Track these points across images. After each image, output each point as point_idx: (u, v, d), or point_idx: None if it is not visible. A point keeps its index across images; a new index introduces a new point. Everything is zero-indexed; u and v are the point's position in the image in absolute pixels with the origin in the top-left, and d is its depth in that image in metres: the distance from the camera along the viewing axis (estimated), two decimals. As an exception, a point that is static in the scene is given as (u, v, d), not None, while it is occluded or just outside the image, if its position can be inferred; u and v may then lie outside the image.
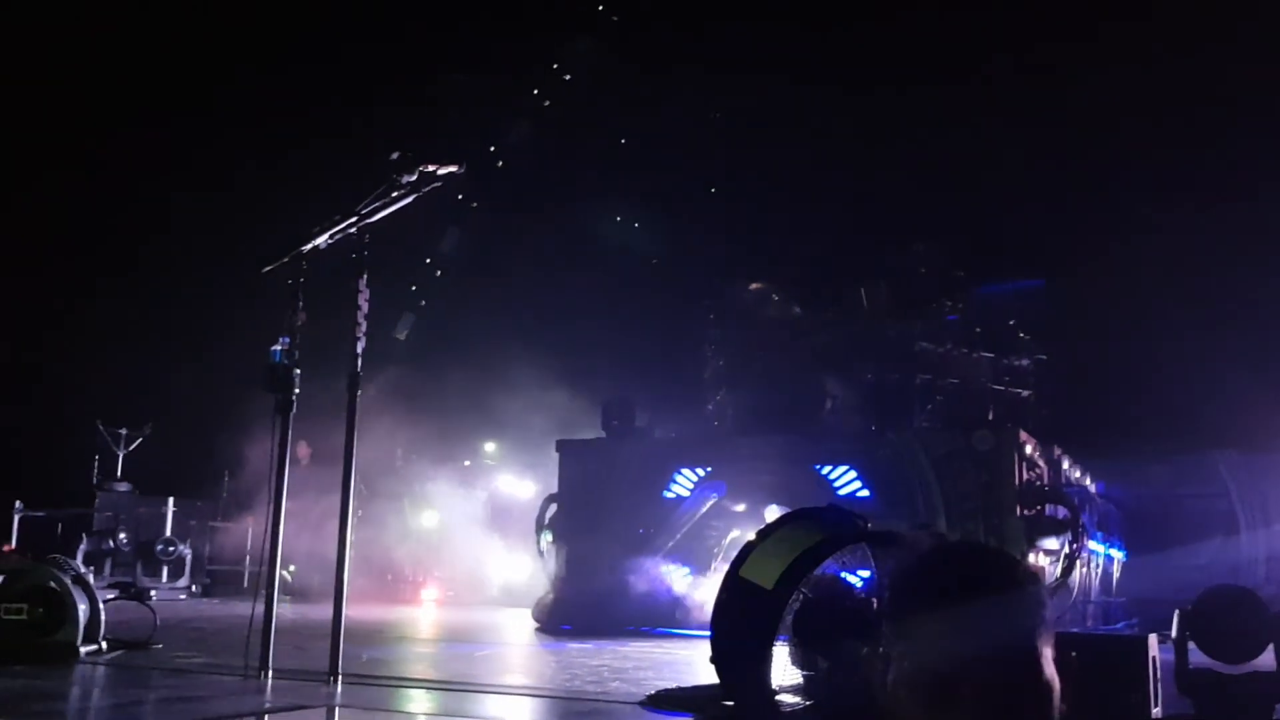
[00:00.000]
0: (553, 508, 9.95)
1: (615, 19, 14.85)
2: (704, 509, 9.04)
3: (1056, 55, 12.18)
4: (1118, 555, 10.91)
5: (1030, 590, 1.57)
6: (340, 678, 4.84)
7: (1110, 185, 12.08)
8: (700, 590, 8.70)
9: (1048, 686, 1.46)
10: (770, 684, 3.88)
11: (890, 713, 1.56)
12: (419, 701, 4.91)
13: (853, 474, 8.75)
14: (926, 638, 1.51)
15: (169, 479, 13.80)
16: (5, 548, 11.54)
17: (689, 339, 11.37)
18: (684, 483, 9.28)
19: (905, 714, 1.53)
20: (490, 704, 4.84)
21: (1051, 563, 8.54)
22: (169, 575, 12.89)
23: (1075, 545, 8.55)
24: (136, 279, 13.68)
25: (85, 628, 5.75)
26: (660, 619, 8.82)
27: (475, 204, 14.77)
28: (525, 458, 12.79)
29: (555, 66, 15.15)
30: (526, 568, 12.19)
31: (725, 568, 4.39)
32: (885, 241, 11.64)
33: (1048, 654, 1.50)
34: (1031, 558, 8.25)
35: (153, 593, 8.09)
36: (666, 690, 4.58)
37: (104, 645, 5.91)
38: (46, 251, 13.69)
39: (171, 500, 13.51)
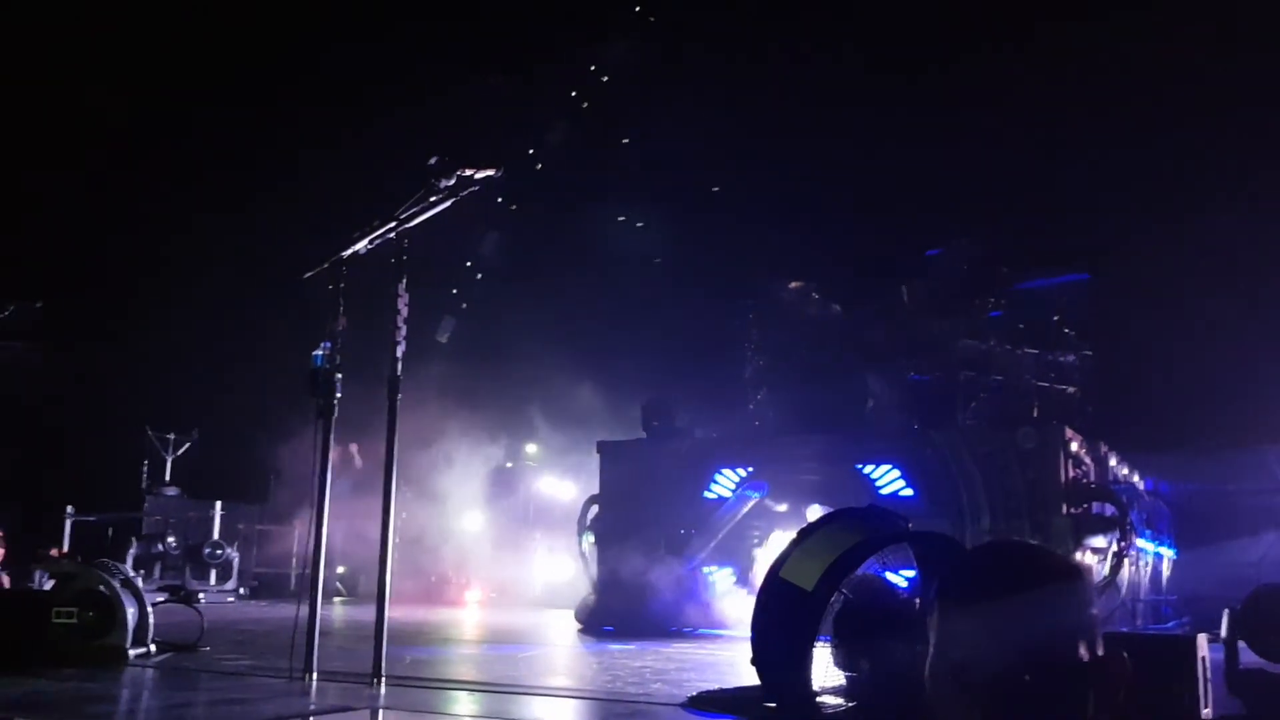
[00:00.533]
0: (594, 509, 9.95)
1: (652, 19, 14.84)
2: (745, 509, 9.01)
3: (1100, 44, 12.01)
4: (1167, 553, 10.75)
5: (1074, 588, 1.55)
6: (384, 679, 4.87)
7: (1155, 177, 11.90)
8: (742, 591, 8.68)
9: (1087, 684, 1.45)
10: (812, 685, 3.86)
11: (932, 709, 1.55)
12: (462, 703, 4.93)
13: (896, 473, 8.68)
14: (967, 634, 1.50)
15: (216, 483, 13.99)
16: (54, 551, 11.73)
17: (729, 338, 11.33)
18: (725, 483, 9.25)
19: (945, 710, 1.52)
20: (533, 706, 4.85)
21: (1099, 561, 8.42)
22: (216, 578, 13.05)
23: (1123, 543, 8.42)
24: (183, 288, 13.86)
25: (134, 631, 5.83)
26: (702, 620, 8.80)
27: (514, 206, 14.82)
28: (566, 459, 12.82)
29: (592, 68, 15.17)
30: (568, 569, 12.22)
31: (765, 567, 4.37)
32: (926, 238, 11.53)
33: (1091, 652, 1.49)
34: (1079, 556, 8.13)
35: (200, 596, 8.18)
36: (708, 691, 4.58)
37: (152, 648, 5.98)
38: (96, 262, 13.92)
39: (219, 504, 13.68)
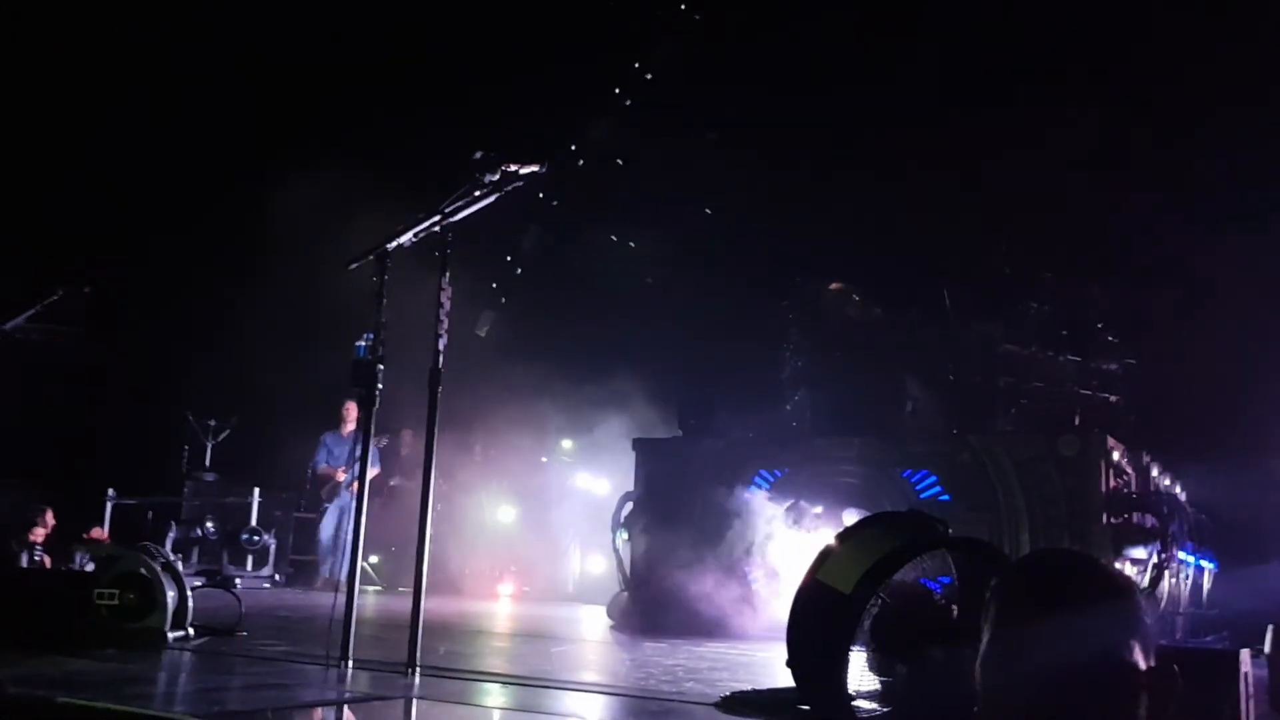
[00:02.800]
0: (629, 506, 9.95)
1: (698, 17, 14.82)
2: (781, 510, 8.97)
3: (1157, 44, 11.83)
4: (1208, 566, 10.60)
5: (1127, 599, 1.55)
6: (418, 669, 4.91)
7: (1204, 181, 11.72)
8: (777, 591, 8.64)
9: (1137, 695, 1.45)
10: (847, 688, 3.84)
11: (981, 715, 1.55)
12: (494, 695, 4.95)
13: (933, 478, 8.62)
14: (1021, 642, 1.51)
15: (255, 470, 14.13)
16: (96, 531, 11.90)
17: (768, 338, 11.29)
18: (761, 484, 9.23)
19: (995, 716, 1.53)
20: (564, 700, 4.86)
21: (1139, 572, 8.33)
22: (253, 564, 13.19)
23: (1164, 555, 8.32)
24: (225, 275, 14.00)
25: (174, 614, 5.90)
26: (736, 619, 8.77)
27: (555, 202, 14.85)
28: (602, 455, 12.84)
29: (637, 65, 15.17)
30: (601, 565, 12.25)
31: (802, 570, 4.35)
32: (970, 241, 11.43)
33: (1141, 665, 1.48)
34: (1118, 566, 8.06)
35: (238, 581, 8.26)
36: (741, 692, 4.56)
37: (191, 631, 6.06)
38: (142, 250, 14.08)
39: (257, 491, 13.81)
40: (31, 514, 9.93)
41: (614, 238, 15.11)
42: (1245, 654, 3.68)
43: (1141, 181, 12.03)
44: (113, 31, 13.33)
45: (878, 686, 4.22)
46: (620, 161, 14.67)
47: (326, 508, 13.19)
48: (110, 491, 13.43)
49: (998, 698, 1.50)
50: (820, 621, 3.96)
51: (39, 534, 9.93)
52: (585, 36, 14.54)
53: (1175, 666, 1.46)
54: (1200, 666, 3.54)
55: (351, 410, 12.75)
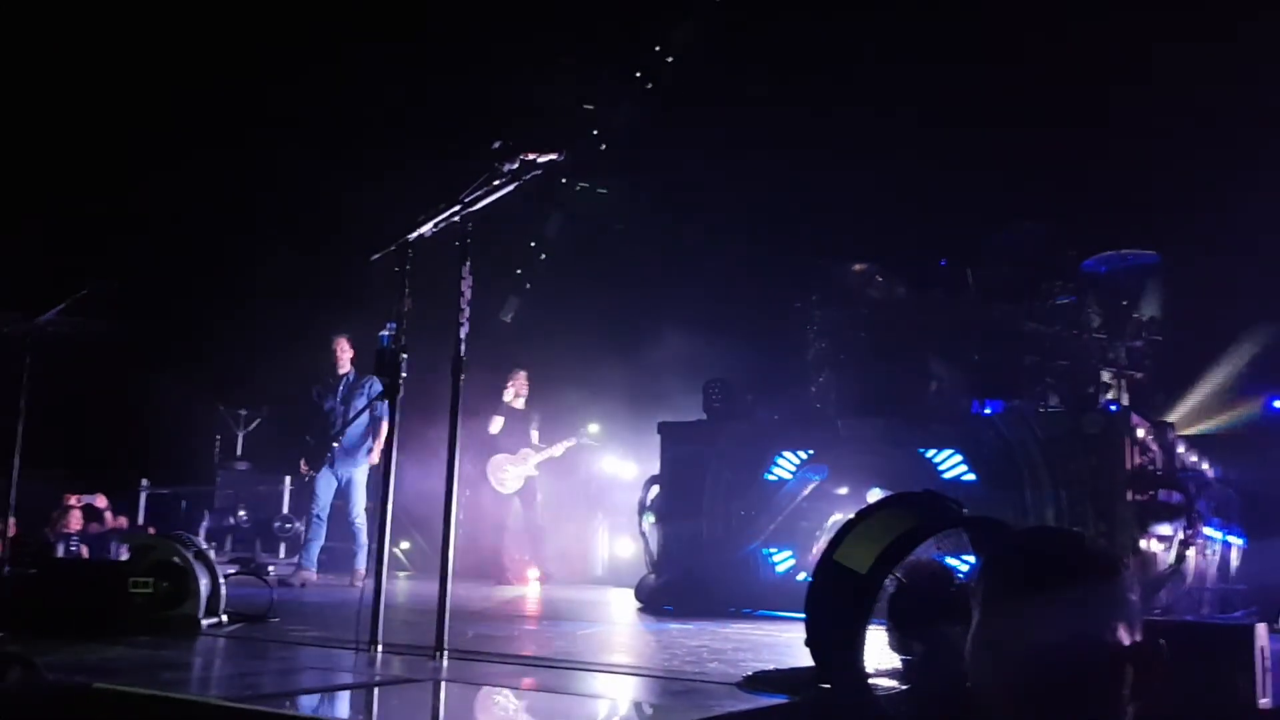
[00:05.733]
0: (654, 489, 10.01)
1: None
2: (806, 492, 9.00)
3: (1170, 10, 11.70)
4: (1236, 541, 10.56)
5: (1113, 576, 1.59)
6: (446, 653, 4.98)
7: (1228, 150, 11.59)
8: (801, 573, 8.69)
9: (1121, 669, 1.49)
10: (864, 667, 3.89)
11: (973, 689, 1.60)
12: (521, 677, 5.03)
13: (958, 457, 8.62)
14: (1007, 616, 1.54)
15: (286, 458, 14.28)
16: (120, 520, 12.08)
17: (792, 319, 11.29)
18: (785, 465, 9.25)
19: (984, 689, 1.57)
20: (589, 681, 4.94)
21: (1165, 549, 8.33)
22: (286, 551, 13.36)
23: (1189, 531, 8.30)
24: (255, 266, 14.14)
25: (207, 601, 6.02)
26: (761, 601, 8.83)
27: (579, 188, 14.88)
28: (628, 439, 12.90)
29: (658, 48, 15.16)
30: (630, 548, 12.33)
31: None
32: (994, 220, 11.38)
33: (1129, 637, 1.52)
34: (1143, 544, 8.05)
35: (271, 568, 8.41)
36: (763, 671, 4.61)
37: (224, 618, 6.17)
38: (171, 242, 14.24)
39: (288, 479, 13.97)
40: (59, 504, 10.08)
41: (638, 221, 15.13)
42: (1262, 628, 3.70)
43: (1171, 152, 11.93)
44: (131, 25, 13.45)
45: (897, 665, 4.28)
46: (637, 144, 14.67)
47: (313, 476, 10.94)
48: (144, 481, 13.65)
49: (984, 678, 1.55)
50: (837, 601, 4.00)
51: (73, 525, 10.10)
52: (605, 19, 14.53)
53: (1162, 641, 1.50)
54: (1215, 640, 3.56)
55: (342, 345, 10.78)
